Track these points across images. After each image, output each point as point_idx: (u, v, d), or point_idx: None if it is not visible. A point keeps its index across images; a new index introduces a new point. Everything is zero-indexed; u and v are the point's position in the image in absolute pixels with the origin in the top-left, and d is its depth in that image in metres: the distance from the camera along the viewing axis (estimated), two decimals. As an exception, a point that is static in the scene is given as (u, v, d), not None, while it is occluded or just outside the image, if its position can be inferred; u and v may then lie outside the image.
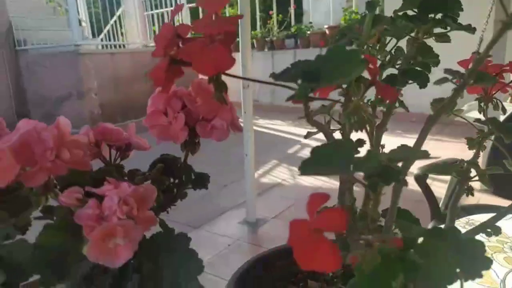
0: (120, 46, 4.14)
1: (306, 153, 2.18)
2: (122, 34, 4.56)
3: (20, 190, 0.31)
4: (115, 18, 4.39)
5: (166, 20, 4.52)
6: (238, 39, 4.85)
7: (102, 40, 4.34)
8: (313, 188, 2.34)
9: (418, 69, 0.37)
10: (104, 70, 3.51)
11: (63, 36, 3.96)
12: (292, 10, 4.42)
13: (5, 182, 0.28)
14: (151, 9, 4.54)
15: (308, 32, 4.25)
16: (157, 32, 4.58)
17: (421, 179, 1.36)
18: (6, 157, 0.28)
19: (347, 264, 0.22)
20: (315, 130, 0.33)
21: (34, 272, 0.32)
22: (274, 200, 2.10)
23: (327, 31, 4.18)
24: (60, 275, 0.33)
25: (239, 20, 2.21)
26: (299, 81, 0.28)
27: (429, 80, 0.38)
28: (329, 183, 2.23)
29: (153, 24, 4.66)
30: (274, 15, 4.47)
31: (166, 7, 4.43)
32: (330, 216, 0.22)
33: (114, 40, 4.44)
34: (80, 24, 4.01)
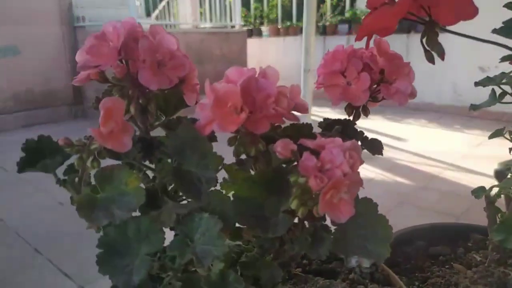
0: (172, 27, 4.20)
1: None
2: (173, 14, 4.61)
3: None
4: (168, -2, 4.44)
5: (215, 1, 4.51)
6: (296, 24, 4.72)
7: (156, 19, 4.42)
8: (366, 179, 2.28)
9: None
10: (158, 49, 3.57)
11: (119, 14, 4.07)
12: (347, -6, 4.24)
13: (232, 129, 0.28)
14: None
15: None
16: (207, 13, 4.59)
17: (501, 174, 1.28)
18: (236, 101, 0.28)
19: None
20: None
21: (238, 222, 0.32)
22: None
23: None
24: (259, 225, 0.32)
25: (305, 2, 2.15)
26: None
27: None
28: (382, 175, 2.16)
29: (200, 6, 4.68)
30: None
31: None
32: None
33: (165, 20, 4.51)
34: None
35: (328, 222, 0.34)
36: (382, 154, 0.39)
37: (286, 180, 0.33)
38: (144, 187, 0.30)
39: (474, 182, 2.36)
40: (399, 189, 2.01)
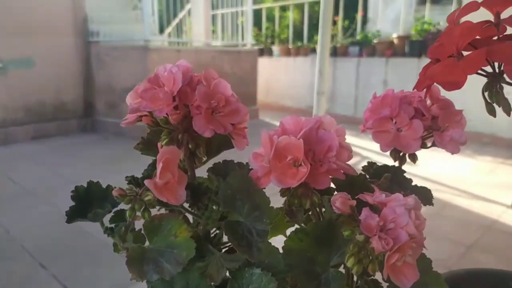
0: (184, 44, 4.27)
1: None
2: (185, 32, 4.70)
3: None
4: (181, 15, 4.54)
5: (227, 20, 4.59)
6: (306, 44, 4.76)
7: (169, 36, 4.50)
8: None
9: None
10: (171, 66, 3.62)
11: (132, 30, 4.16)
12: (359, 17, 4.31)
13: (293, 183, 0.26)
14: (212, 9, 4.64)
15: (375, 41, 4.12)
16: (219, 31, 4.67)
17: None
18: (297, 154, 0.27)
19: None
20: None
21: (288, 273, 0.30)
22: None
23: (395, 41, 4.03)
24: (310, 281, 0.30)
25: (320, 21, 2.17)
26: None
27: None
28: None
29: (213, 24, 4.77)
30: (340, 21, 4.39)
31: (227, 7, 4.51)
32: None
33: (177, 37, 4.59)
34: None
35: (377, 276, 0.33)
36: (432, 204, 0.37)
37: (337, 233, 0.31)
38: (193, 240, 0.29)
39: (486, 210, 2.31)
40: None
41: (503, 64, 0.27)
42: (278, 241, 0.33)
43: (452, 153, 0.36)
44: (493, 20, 0.31)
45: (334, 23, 4.41)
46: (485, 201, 2.18)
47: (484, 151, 3.21)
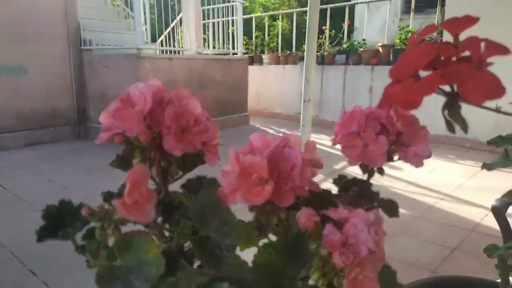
0: (176, 52, 4.29)
1: (352, 170, 2.13)
2: (177, 40, 4.73)
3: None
4: (173, 24, 4.56)
5: (218, 29, 4.63)
6: (295, 52, 4.84)
7: (161, 45, 4.51)
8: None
9: None
10: (162, 74, 3.63)
11: (124, 39, 4.17)
12: (345, 26, 4.39)
13: (258, 201, 0.28)
14: (203, 18, 4.69)
15: (361, 49, 4.19)
16: (210, 40, 4.70)
17: (499, 211, 1.27)
18: (262, 172, 0.28)
19: None
20: None
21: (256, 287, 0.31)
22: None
23: (380, 49, 4.10)
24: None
25: (307, 32, 2.21)
26: None
27: None
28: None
29: (204, 32, 4.81)
30: (327, 30, 4.46)
31: (219, 17, 4.56)
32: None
33: (169, 45, 4.61)
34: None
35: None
36: (398, 216, 0.39)
37: (305, 247, 0.32)
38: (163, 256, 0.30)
39: (469, 213, 2.35)
40: (394, 218, 2.00)
41: (458, 86, 0.28)
42: (251, 253, 0.34)
43: (416, 167, 0.38)
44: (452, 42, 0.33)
45: (322, 32, 4.48)
46: (468, 205, 2.23)
47: (467, 156, 3.28)
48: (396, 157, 0.40)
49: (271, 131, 4.29)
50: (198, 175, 0.37)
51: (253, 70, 4.94)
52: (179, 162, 0.36)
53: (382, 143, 0.37)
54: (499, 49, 0.29)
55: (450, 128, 0.34)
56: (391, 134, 0.39)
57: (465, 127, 0.32)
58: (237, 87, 4.43)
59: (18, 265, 1.45)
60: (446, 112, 0.33)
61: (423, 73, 0.32)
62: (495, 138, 0.46)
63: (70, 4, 3.86)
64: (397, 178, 2.67)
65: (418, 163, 0.38)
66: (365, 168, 0.41)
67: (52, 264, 1.42)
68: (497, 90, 0.28)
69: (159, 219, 0.33)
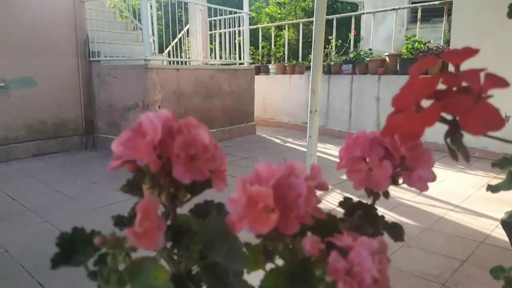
0: (183, 63, 4.35)
1: None
2: (184, 51, 4.79)
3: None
4: (180, 35, 4.63)
5: (225, 39, 4.69)
6: (301, 62, 4.86)
7: (168, 55, 4.58)
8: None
9: None
10: (169, 84, 3.68)
11: (132, 50, 4.24)
12: (352, 36, 4.41)
13: (264, 230, 0.28)
14: (210, 29, 4.76)
15: (367, 59, 4.20)
16: (217, 50, 4.76)
17: (508, 224, 1.25)
18: (268, 202, 0.29)
19: None
20: None
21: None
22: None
23: (387, 59, 4.11)
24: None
25: (313, 43, 2.22)
26: None
27: None
28: (387, 215, 2.13)
29: (211, 43, 4.87)
30: (333, 40, 4.49)
31: (225, 28, 4.62)
32: None
33: (177, 56, 4.68)
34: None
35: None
36: (403, 240, 0.39)
37: (311, 273, 0.33)
38: (172, 280, 0.31)
39: (479, 224, 2.31)
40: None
41: (458, 116, 0.29)
42: (258, 276, 0.35)
43: (421, 191, 0.38)
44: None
45: (328, 42, 4.50)
46: (478, 216, 2.19)
47: (476, 166, 3.24)
48: (401, 181, 0.41)
49: (277, 141, 4.29)
50: (206, 200, 0.38)
51: (259, 80, 4.98)
52: (188, 187, 0.37)
53: (386, 167, 0.38)
54: (498, 82, 0.30)
55: (453, 156, 0.34)
56: (395, 158, 0.39)
57: (466, 156, 0.32)
58: (244, 97, 4.47)
59: (27, 277, 1.47)
60: (448, 140, 0.34)
61: (425, 102, 0.33)
62: (499, 160, 0.46)
63: (79, 17, 3.95)
64: (406, 188, 2.63)
65: (422, 187, 0.38)
66: (370, 192, 0.42)
67: (60, 277, 1.43)
68: (497, 121, 0.29)
69: (169, 244, 0.34)
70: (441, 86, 0.31)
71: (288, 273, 0.33)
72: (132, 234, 0.27)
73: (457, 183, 2.74)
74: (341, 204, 0.42)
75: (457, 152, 0.34)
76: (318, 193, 0.35)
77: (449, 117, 0.33)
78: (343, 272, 0.28)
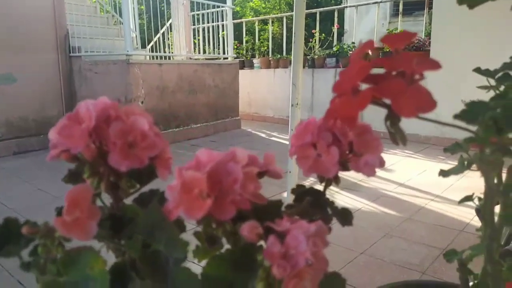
0: (166, 58, 4.29)
1: (344, 173, 2.14)
2: (167, 45, 4.73)
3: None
4: (163, 30, 4.57)
5: (209, 34, 4.65)
6: (286, 56, 4.85)
7: (151, 50, 4.51)
8: (352, 209, 2.28)
9: None
10: (151, 80, 3.63)
11: (114, 45, 4.16)
12: (335, 29, 4.43)
13: (198, 215, 0.28)
14: (193, 23, 4.70)
15: (350, 52, 4.22)
16: (200, 45, 4.72)
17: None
18: (202, 187, 0.28)
19: None
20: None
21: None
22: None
23: (369, 52, 4.14)
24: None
25: (293, 37, 2.22)
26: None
27: None
28: (368, 206, 2.16)
29: (194, 37, 4.82)
30: (317, 34, 4.49)
31: (209, 22, 4.58)
32: None
33: (160, 51, 4.61)
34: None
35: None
36: (352, 225, 0.40)
37: (254, 258, 0.33)
38: (110, 270, 0.30)
39: (459, 214, 2.36)
40: (385, 220, 2.01)
41: (390, 100, 0.29)
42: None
43: (368, 176, 0.39)
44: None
45: (312, 35, 4.51)
46: (457, 205, 2.24)
47: (456, 157, 3.29)
48: (350, 166, 0.41)
49: (262, 135, 4.29)
50: (152, 189, 0.37)
51: (244, 74, 4.96)
52: (134, 176, 0.36)
53: (333, 153, 0.38)
54: (430, 64, 0.30)
55: (393, 140, 0.35)
56: (343, 144, 0.39)
57: (403, 139, 0.33)
58: (228, 91, 4.44)
59: (7, 276, 1.45)
60: (388, 123, 0.34)
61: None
62: (452, 145, 0.47)
63: (59, 11, 3.85)
64: (388, 179, 2.69)
65: (369, 172, 0.39)
66: (321, 178, 0.42)
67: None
68: (429, 104, 0.29)
69: (110, 234, 0.33)
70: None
71: (231, 259, 0.33)
72: (61, 223, 0.26)
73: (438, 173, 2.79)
74: (293, 191, 0.42)
75: (396, 136, 0.34)
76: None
77: (388, 101, 0.33)
78: (278, 255, 0.28)
